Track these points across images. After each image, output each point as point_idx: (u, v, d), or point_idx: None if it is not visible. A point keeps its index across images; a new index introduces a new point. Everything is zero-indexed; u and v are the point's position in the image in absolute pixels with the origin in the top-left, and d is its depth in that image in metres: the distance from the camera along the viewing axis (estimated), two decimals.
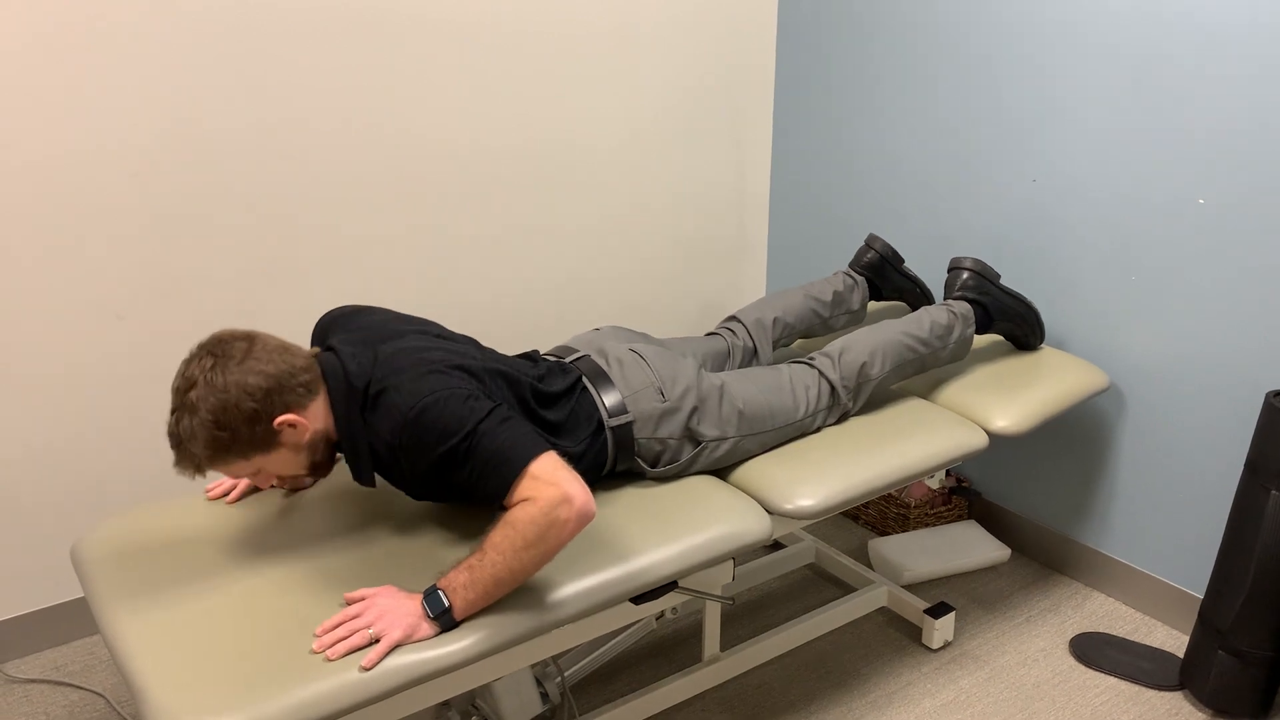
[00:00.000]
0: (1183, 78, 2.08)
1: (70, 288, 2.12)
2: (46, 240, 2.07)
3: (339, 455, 1.64)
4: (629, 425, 1.76)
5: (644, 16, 2.69)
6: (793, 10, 2.88)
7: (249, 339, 1.49)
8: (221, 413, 1.44)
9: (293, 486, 1.73)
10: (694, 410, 1.81)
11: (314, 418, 1.53)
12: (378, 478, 1.67)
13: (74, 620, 2.31)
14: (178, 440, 1.46)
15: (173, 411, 1.47)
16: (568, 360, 1.83)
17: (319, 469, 1.59)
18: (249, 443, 1.47)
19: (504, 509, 1.45)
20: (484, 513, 1.65)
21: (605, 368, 1.81)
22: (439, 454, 1.47)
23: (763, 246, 3.16)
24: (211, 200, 2.23)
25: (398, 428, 1.48)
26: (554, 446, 1.53)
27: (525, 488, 1.43)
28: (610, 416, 1.75)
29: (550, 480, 1.42)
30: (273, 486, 1.68)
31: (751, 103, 2.98)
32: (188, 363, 1.47)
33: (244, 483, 1.77)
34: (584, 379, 1.78)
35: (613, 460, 1.78)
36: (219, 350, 1.47)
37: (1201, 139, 2.08)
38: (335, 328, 1.68)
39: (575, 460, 1.71)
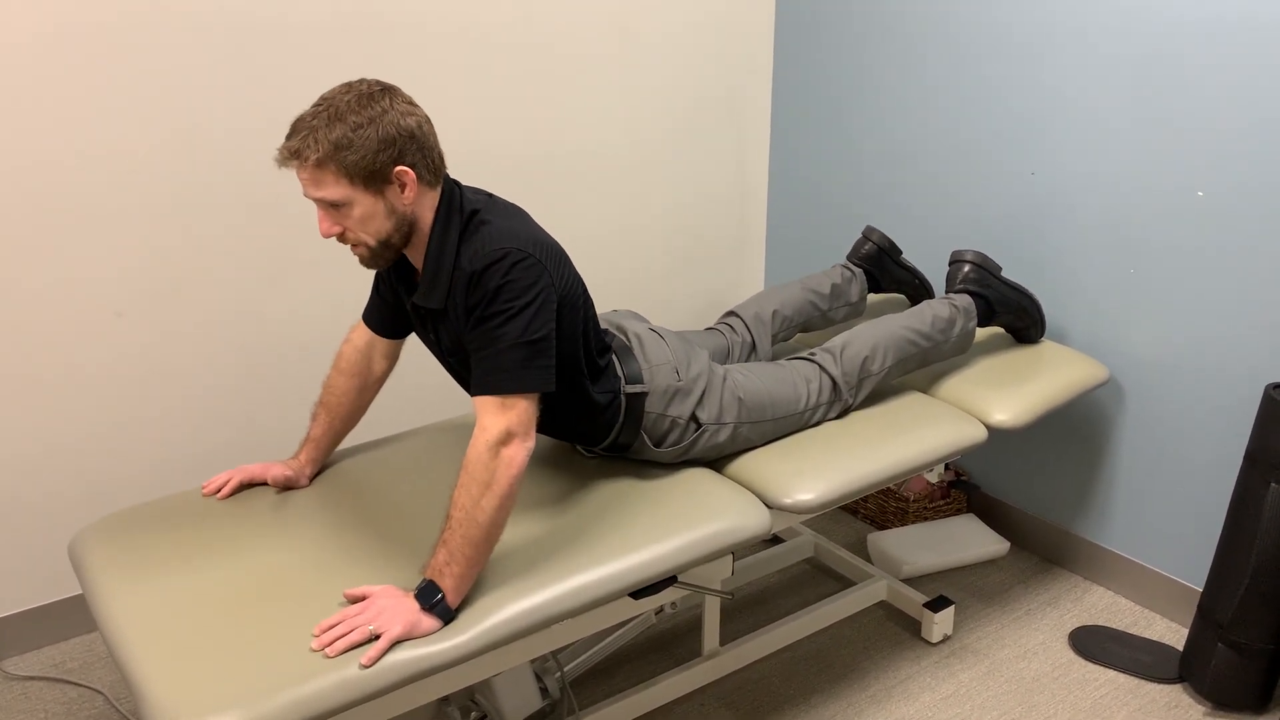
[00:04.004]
0: (1182, 71, 2.08)
1: (69, 285, 2.11)
2: (45, 237, 2.07)
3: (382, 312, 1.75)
4: (642, 396, 1.78)
5: (645, 16, 2.68)
6: (790, 5, 2.87)
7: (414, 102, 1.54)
8: (367, 125, 1.44)
9: (356, 242, 1.55)
10: (702, 395, 1.82)
11: (419, 200, 1.54)
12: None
13: (72, 617, 2.31)
14: (305, 124, 1.45)
15: (317, 104, 1.47)
16: None
17: (384, 250, 1.55)
18: (365, 166, 1.46)
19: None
20: None
21: (626, 341, 1.84)
22: (480, 304, 1.51)
23: (761, 241, 3.15)
24: (212, 199, 2.22)
25: (477, 258, 1.51)
26: (587, 391, 1.69)
27: (491, 407, 1.49)
28: (627, 384, 1.77)
29: (512, 413, 1.48)
30: (338, 238, 1.56)
31: (750, 99, 2.97)
32: (356, 81, 1.49)
33: (237, 479, 1.77)
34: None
35: (619, 429, 1.78)
36: (391, 86, 1.50)
37: (1201, 132, 2.07)
38: None
39: (600, 411, 1.74)
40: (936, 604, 2.25)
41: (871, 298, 2.55)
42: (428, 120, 1.53)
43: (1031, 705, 2.08)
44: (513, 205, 1.65)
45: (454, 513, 1.45)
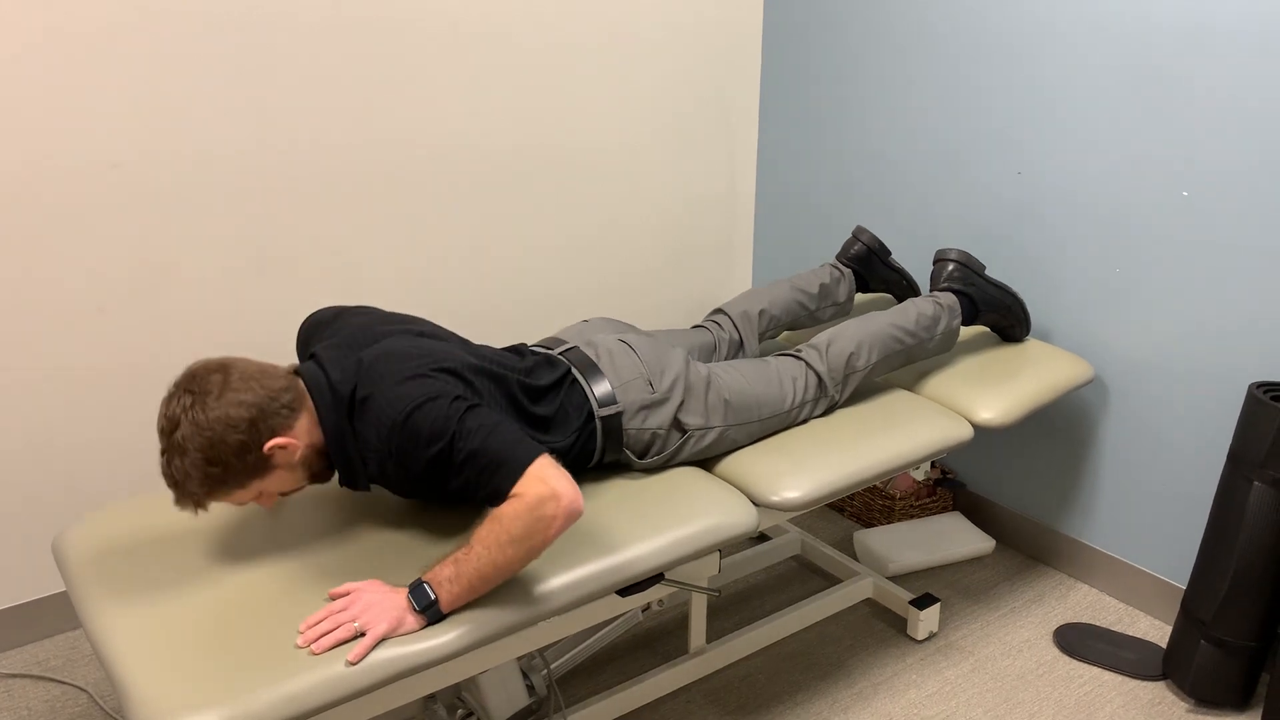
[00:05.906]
0: (1168, 72, 2.09)
1: (50, 280, 2.10)
2: (26, 232, 2.05)
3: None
4: (618, 416, 1.76)
5: (634, 19, 2.68)
6: (778, 9, 2.87)
7: (224, 370, 1.46)
8: (210, 449, 1.42)
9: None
10: (682, 400, 1.81)
11: (302, 434, 1.51)
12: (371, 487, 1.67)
13: (56, 615, 2.30)
14: (174, 481, 1.45)
15: (163, 453, 1.45)
16: (556, 352, 1.82)
17: (318, 478, 1.58)
18: (243, 472, 1.45)
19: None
20: (471, 509, 1.65)
21: (595, 358, 1.81)
22: (428, 458, 1.46)
23: (748, 243, 3.16)
24: (195, 193, 2.21)
25: (385, 434, 1.47)
26: (542, 443, 1.55)
27: (517, 486, 1.43)
28: (600, 407, 1.75)
29: (539, 477, 1.42)
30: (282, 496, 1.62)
31: (738, 101, 2.97)
32: (167, 402, 1.45)
33: None
34: (573, 370, 1.78)
35: (600, 451, 1.77)
36: (195, 387, 1.44)
37: (1186, 132, 2.08)
38: (318, 333, 1.67)
39: (563, 454, 1.71)
40: (922, 601, 2.26)
41: (858, 297, 2.55)
42: (255, 378, 1.47)
43: (1016, 702, 2.09)
44: (382, 335, 1.60)
45: (476, 545, 1.41)
